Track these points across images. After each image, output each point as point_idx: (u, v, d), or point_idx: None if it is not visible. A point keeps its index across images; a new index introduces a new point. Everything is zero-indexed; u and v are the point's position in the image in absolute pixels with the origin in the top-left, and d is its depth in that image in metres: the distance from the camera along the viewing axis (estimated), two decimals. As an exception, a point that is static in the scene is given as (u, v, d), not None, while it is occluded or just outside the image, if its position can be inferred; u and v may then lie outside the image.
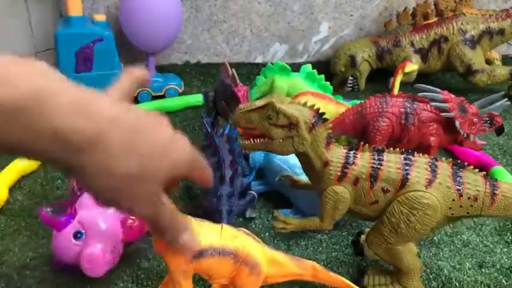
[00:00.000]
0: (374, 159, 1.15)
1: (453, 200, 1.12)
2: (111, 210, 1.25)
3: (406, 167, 1.12)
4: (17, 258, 1.34)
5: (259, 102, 1.16)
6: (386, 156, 1.16)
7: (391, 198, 1.13)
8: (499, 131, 1.66)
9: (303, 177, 1.47)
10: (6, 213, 1.53)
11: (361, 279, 1.25)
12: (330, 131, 1.18)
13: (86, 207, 1.24)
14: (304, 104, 1.18)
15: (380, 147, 1.18)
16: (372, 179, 1.14)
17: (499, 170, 1.73)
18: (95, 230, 1.20)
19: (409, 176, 1.11)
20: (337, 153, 1.18)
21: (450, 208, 1.12)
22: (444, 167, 1.13)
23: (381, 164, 1.14)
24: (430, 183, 1.11)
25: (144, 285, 1.26)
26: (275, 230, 1.29)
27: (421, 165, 1.13)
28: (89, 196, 1.24)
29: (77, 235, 1.20)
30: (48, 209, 1.20)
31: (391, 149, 1.17)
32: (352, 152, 1.18)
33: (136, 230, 1.27)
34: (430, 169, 1.12)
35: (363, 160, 1.16)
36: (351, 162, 1.16)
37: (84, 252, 1.17)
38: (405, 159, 1.14)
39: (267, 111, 1.14)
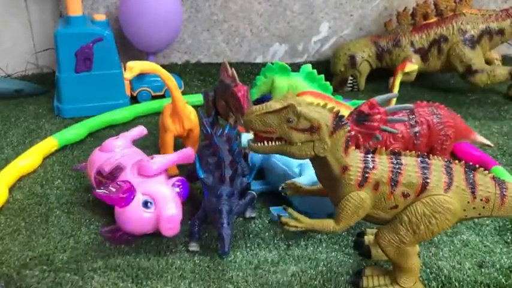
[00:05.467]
0: (393, 163, 1.12)
1: (468, 202, 1.12)
2: (161, 179, 1.39)
3: (425, 171, 1.11)
4: (17, 258, 1.33)
5: (277, 105, 1.07)
6: (404, 159, 1.13)
7: (410, 203, 1.12)
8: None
9: (306, 175, 1.47)
10: (6, 213, 1.53)
11: (359, 280, 1.26)
12: (348, 134, 1.11)
13: (138, 182, 1.36)
14: (324, 106, 1.11)
15: (396, 150, 1.15)
16: (393, 184, 1.11)
17: (498, 169, 1.73)
18: (163, 196, 1.33)
19: (428, 180, 1.10)
20: (355, 158, 1.12)
21: (465, 210, 1.12)
22: (458, 169, 1.13)
23: (400, 168, 1.11)
24: (448, 186, 1.10)
25: (144, 285, 1.26)
26: (286, 227, 1.18)
27: (438, 168, 1.12)
28: (130, 172, 1.40)
29: (146, 204, 1.31)
30: (102, 190, 1.28)
31: (407, 151, 1.15)
32: (369, 156, 1.13)
33: (181, 195, 1.39)
34: (446, 172, 1.11)
35: (382, 164, 1.12)
36: (371, 167, 1.11)
37: (163, 215, 1.30)
38: (422, 162, 1.12)
39: (286, 114, 1.06)
